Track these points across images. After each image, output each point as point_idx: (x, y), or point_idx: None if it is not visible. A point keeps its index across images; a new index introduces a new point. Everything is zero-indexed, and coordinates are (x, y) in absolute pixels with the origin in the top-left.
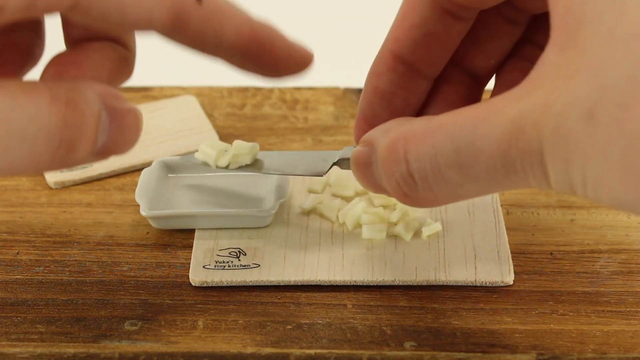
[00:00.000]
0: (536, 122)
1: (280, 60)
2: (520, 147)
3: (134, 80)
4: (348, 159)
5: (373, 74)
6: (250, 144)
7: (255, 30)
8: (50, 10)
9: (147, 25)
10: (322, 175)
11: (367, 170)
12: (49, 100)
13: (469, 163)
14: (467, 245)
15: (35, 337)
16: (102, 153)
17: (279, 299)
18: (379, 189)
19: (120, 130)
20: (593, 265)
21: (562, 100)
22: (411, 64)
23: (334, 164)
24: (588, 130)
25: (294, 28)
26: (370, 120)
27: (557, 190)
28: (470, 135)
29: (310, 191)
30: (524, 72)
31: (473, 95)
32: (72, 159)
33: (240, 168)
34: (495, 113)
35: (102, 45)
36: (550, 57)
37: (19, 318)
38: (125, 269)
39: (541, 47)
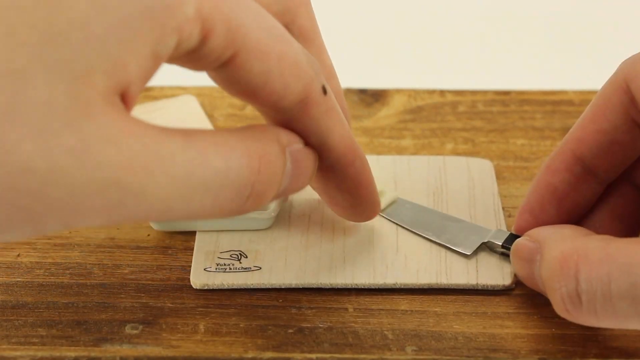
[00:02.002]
0: None
1: (361, 188)
2: None
3: None
4: (499, 245)
5: (549, 169)
6: None
7: (354, 144)
8: (208, 59)
9: (278, 101)
10: (468, 254)
11: (527, 266)
12: (241, 155)
13: None
14: None
15: (36, 340)
16: (280, 196)
17: (280, 302)
18: (536, 286)
19: (299, 174)
20: None
21: None
22: (590, 168)
23: (484, 243)
24: None
25: None
26: (535, 214)
27: None
28: None
29: None
30: None
31: (638, 212)
32: (257, 207)
33: None
34: None
35: None
36: None
37: (19, 321)
38: (126, 271)
39: None
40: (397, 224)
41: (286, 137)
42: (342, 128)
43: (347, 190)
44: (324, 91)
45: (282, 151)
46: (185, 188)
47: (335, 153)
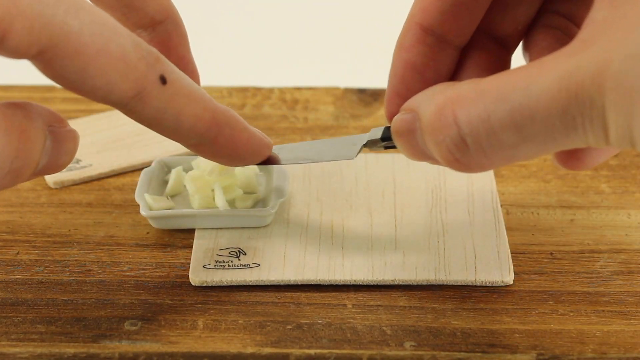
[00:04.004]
0: (594, 77)
1: (238, 149)
2: (579, 102)
3: None
4: (377, 140)
5: (402, 47)
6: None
7: (216, 116)
8: (14, 54)
9: (106, 97)
10: (352, 159)
11: (410, 138)
12: (3, 133)
13: (524, 123)
14: (467, 245)
15: (35, 337)
16: (39, 174)
17: (278, 298)
18: (423, 156)
19: (59, 154)
20: (593, 265)
21: (621, 53)
22: (440, 35)
23: (364, 145)
24: None
25: (295, 28)
26: (403, 94)
27: (616, 146)
28: (524, 94)
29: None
30: (557, 39)
31: (501, 62)
32: (14, 183)
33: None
34: (549, 70)
35: None
36: (600, 14)
37: (19, 318)
38: (125, 269)
39: (564, 15)
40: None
41: (49, 113)
42: (195, 108)
43: (228, 155)
44: (163, 81)
45: (42, 128)
46: None
47: (195, 132)
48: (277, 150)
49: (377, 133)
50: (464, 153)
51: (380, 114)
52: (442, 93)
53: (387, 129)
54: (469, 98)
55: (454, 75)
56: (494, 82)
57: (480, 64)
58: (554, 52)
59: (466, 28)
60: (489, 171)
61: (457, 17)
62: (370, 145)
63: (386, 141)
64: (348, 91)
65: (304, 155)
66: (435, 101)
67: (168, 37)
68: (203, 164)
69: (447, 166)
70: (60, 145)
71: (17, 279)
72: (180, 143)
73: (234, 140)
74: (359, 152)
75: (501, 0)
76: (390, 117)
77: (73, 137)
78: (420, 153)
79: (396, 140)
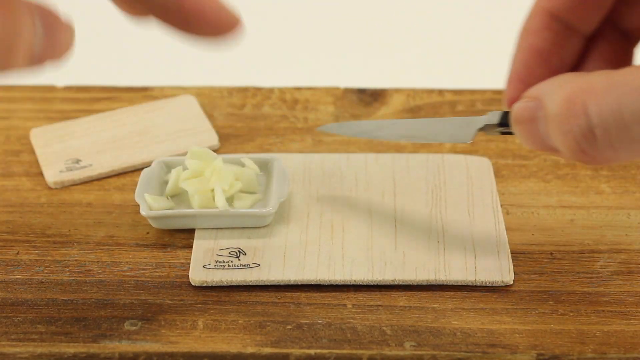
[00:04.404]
0: None
1: (208, 18)
2: None
3: (134, 80)
4: (494, 125)
5: (528, 31)
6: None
7: None
8: None
9: None
10: (468, 142)
11: (531, 127)
12: None
13: None
14: (467, 245)
15: (35, 337)
16: (37, 62)
17: (278, 298)
18: (544, 146)
19: (54, 38)
20: (593, 265)
21: None
22: (567, 22)
23: (479, 129)
24: None
25: (295, 28)
26: (526, 80)
27: None
28: None
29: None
30: None
31: (626, 55)
32: (11, 62)
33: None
34: None
35: None
36: None
37: (19, 318)
38: (125, 269)
39: None
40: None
41: (37, 2)
42: None
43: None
44: None
45: (29, 9)
46: None
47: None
48: (390, 125)
49: (494, 117)
50: (592, 145)
51: (380, 114)
52: (572, 82)
53: (506, 114)
54: (601, 89)
55: (578, 65)
56: (628, 75)
57: (604, 55)
58: None
59: (593, 17)
60: (489, 171)
61: (585, 4)
62: (487, 129)
63: (503, 127)
64: (348, 91)
65: (418, 134)
66: (565, 90)
67: None
68: (192, 165)
69: (571, 157)
70: (53, 32)
71: (17, 279)
72: (156, 20)
73: (205, 10)
74: (475, 135)
75: None
76: (510, 102)
77: (65, 27)
78: (540, 142)
79: (516, 127)
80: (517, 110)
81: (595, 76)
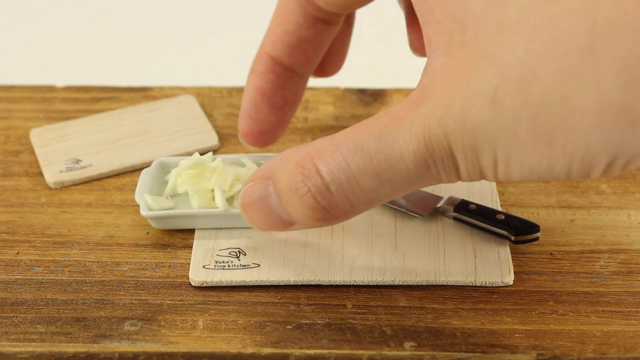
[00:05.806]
0: (440, 120)
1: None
2: (429, 146)
3: (134, 81)
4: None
5: (253, 73)
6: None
7: None
8: None
9: None
10: (424, 215)
11: (263, 205)
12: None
13: (381, 168)
14: (467, 245)
15: (35, 337)
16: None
17: (278, 299)
18: (279, 222)
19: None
20: (593, 265)
21: (462, 95)
22: (288, 66)
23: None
24: (493, 114)
25: None
26: (254, 116)
27: (467, 180)
28: (378, 142)
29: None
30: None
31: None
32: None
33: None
34: (399, 119)
35: None
36: (437, 61)
37: (18, 318)
38: (125, 269)
39: None
40: None
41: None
42: None
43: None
44: None
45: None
46: None
47: None
48: None
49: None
50: (330, 201)
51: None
52: (298, 151)
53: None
54: (327, 150)
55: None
56: (348, 135)
57: None
58: (402, 101)
59: (313, 60)
60: None
61: (303, 50)
62: (441, 210)
63: (455, 212)
64: (348, 91)
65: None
66: (294, 159)
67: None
68: (184, 164)
69: (311, 222)
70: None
71: (17, 279)
72: None
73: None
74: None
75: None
76: (244, 136)
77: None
78: (275, 218)
79: (246, 211)
80: (245, 193)
81: (319, 142)
